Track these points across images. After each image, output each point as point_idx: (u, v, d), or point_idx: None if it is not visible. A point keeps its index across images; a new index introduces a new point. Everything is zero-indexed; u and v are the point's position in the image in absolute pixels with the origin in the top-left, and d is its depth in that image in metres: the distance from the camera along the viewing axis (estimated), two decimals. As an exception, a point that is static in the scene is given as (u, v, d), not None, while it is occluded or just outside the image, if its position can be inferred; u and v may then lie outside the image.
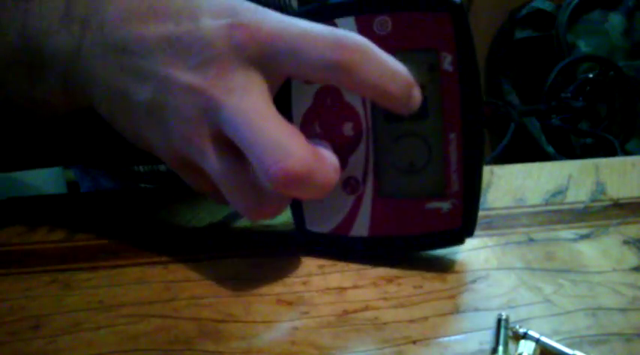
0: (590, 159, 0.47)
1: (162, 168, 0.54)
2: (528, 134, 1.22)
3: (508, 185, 0.43)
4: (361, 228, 0.33)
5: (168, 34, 0.28)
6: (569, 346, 0.26)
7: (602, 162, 0.47)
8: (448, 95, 0.30)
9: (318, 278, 0.32)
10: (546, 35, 1.18)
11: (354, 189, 0.32)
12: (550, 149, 1.17)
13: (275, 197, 0.29)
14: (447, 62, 0.30)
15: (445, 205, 0.32)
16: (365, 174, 0.32)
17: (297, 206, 0.34)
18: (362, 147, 0.32)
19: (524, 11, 1.23)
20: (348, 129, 0.32)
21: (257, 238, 0.37)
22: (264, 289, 0.32)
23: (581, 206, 0.40)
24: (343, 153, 0.32)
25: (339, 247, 0.34)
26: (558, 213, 0.39)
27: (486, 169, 0.45)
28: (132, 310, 0.30)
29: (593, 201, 0.41)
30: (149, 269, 0.33)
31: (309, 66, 0.28)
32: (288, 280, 0.32)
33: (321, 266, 0.33)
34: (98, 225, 0.38)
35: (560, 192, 0.42)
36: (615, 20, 1.15)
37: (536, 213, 0.39)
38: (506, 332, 0.27)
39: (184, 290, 0.31)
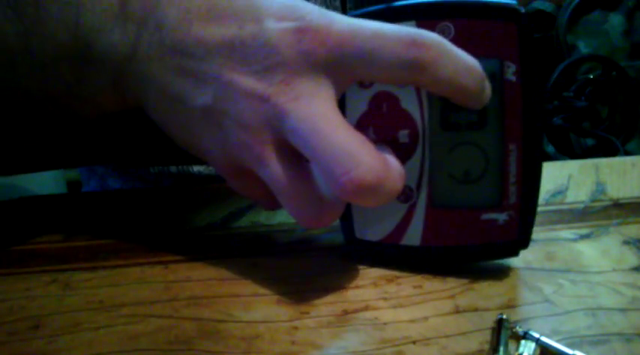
0: (590, 159, 0.47)
1: (172, 169, 0.54)
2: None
3: (508, 185, 0.43)
4: (413, 237, 0.32)
5: (232, 38, 0.27)
6: (569, 346, 0.26)
7: (602, 162, 0.47)
8: (510, 105, 0.30)
9: (318, 278, 0.32)
10: (546, 36, 1.18)
11: (407, 197, 0.32)
12: (550, 149, 1.17)
13: (335, 205, 0.29)
14: (511, 72, 0.29)
15: (501, 217, 0.31)
16: (419, 182, 0.32)
17: (346, 214, 0.33)
18: (417, 155, 0.31)
19: (523, 12, 1.23)
20: (403, 136, 0.31)
21: (257, 238, 0.37)
22: (264, 289, 0.32)
23: (581, 206, 0.40)
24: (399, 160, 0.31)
25: (390, 256, 0.33)
26: (558, 213, 0.39)
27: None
28: (132, 310, 0.30)
29: (593, 201, 0.41)
30: (149, 269, 0.33)
31: (384, 66, 0.27)
32: (288, 280, 0.32)
33: (321, 267, 0.33)
34: (98, 225, 0.38)
35: (560, 192, 0.42)
36: (615, 21, 1.15)
37: (537, 213, 0.39)
38: (506, 332, 0.27)
39: (184, 290, 0.31)
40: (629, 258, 0.34)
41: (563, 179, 0.44)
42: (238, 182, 0.32)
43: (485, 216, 0.31)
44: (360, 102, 0.31)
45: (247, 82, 0.27)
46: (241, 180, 0.31)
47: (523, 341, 0.27)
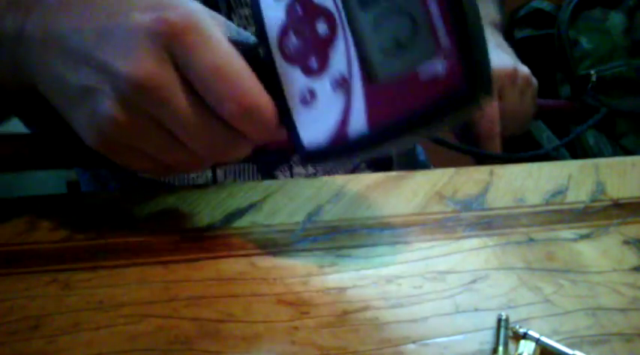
0: (590, 159, 0.47)
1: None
2: (528, 134, 1.22)
3: (508, 185, 0.43)
4: (359, 124, 0.31)
5: (102, 26, 0.30)
6: (569, 346, 0.26)
7: (602, 162, 0.47)
8: None
9: (318, 278, 0.32)
10: (547, 34, 1.18)
11: (340, 84, 0.31)
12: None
13: (236, 137, 0.31)
14: None
15: (439, 66, 0.29)
16: (349, 66, 0.31)
17: (292, 130, 0.33)
18: (339, 41, 0.31)
19: (522, 11, 1.23)
20: (322, 28, 0.31)
21: (257, 238, 0.37)
22: (264, 289, 0.32)
23: (581, 206, 0.40)
24: (323, 54, 0.31)
25: (343, 154, 0.32)
26: (558, 213, 0.39)
27: (486, 169, 0.45)
28: (132, 310, 0.30)
29: (593, 201, 0.41)
30: (149, 269, 0.33)
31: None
32: (288, 280, 0.32)
33: (321, 267, 0.33)
34: (98, 224, 0.38)
35: (560, 192, 0.42)
36: (616, 19, 1.14)
37: (536, 213, 0.39)
38: (506, 332, 0.28)
39: (184, 290, 0.31)
40: (629, 258, 0.34)
41: (563, 179, 0.44)
42: (123, 155, 0.33)
43: (424, 73, 0.29)
44: (276, 15, 0.32)
45: (118, 62, 0.30)
46: (125, 153, 0.33)
47: (523, 341, 0.27)
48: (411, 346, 0.27)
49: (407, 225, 0.37)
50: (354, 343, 0.28)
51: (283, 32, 0.32)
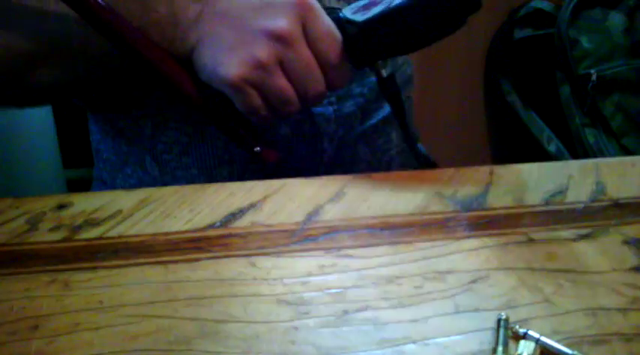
0: (590, 159, 0.47)
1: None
2: (528, 134, 1.22)
3: (508, 185, 0.43)
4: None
5: (258, 4, 0.42)
6: (569, 346, 0.26)
7: (602, 162, 0.47)
8: None
9: (318, 279, 0.32)
10: (547, 34, 1.17)
11: None
12: (551, 148, 1.17)
13: (319, 79, 0.43)
14: None
15: None
16: None
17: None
18: None
19: (522, 11, 1.23)
20: None
21: (257, 238, 0.37)
22: (264, 289, 0.32)
23: (581, 206, 0.40)
24: None
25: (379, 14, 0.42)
26: (558, 213, 0.39)
27: (486, 169, 0.45)
28: (132, 310, 0.30)
29: (593, 201, 0.41)
30: (149, 269, 0.33)
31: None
32: (288, 280, 0.32)
33: (321, 267, 0.33)
34: (98, 224, 0.38)
35: (560, 192, 0.42)
36: (616, 19, 1.14)
37: (536, 213, 0.39)
38: (506, 333, 0.28)
39: (184, 290, 0.31)
40: (629, 258, 0.34)
41: (563, 179, 0.44)
42: (248, 95, 0.42)
43: None
44: None
45: (270, 24, 0.42)
46: (246, 92, 0.42)
47: (523, 341, 0.27)
48: (411, 346, 0.27)
49: (407, 225, 0.37)
50: (354, 343, 0.28)
51: None
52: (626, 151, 1.12)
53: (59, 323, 0.29)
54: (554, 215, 0.39)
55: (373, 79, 0.50)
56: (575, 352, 0.26)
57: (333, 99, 0.52)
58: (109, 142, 0.55)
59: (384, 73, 0.45)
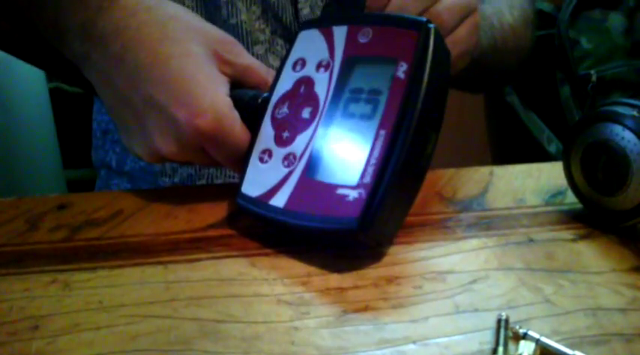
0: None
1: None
2: (528, 134, 1.22)
3: (508, 185, 0.43)
4: (281, 199, 0.35)
5: (147, 98, 0.37)
6: (569, 346, 0.26)
7: (602, 162, 0.47)
8: (392, 97, 0.33)
9: (318, 279, 0.32)
10: (546, 34, 1.17)
11: (290, 163, 0.36)
12: (551, 149, 1.17)
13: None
14: (402, 70, 0.33)
15: (352, 194, 0.33)
16: (303, 153, 0.36)
17: (242, 172, 0.38)
18: (310, 130, 0.36)
19: (523, 12, 1.23)
20: (306, 112, 0.37)
21: (258, 238, 0.37)
22: (264, 289, 0.32)
23: (581, 206, 0.40)
24: (294, 133, 0.36)
25: (259, 212, 0.36)
26: (558, 213, 0.39)
27: (486, 169, 0.45)
28: (132, 310, 0.30)
29: (593, 201, 0.41)
30: (149, 269, 0.33)
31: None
32: (288, 280, 0.32)
33: (321, 267, 0.33)
34: (99, 224, 0.38)
35: (560, 192, 0.42)
36: (616, 19, 1.14)
37: (536, 213, 0.39)
38: (506, 333, 0.28)
39: (184, 290, 0.31)
40: (629, 258, 0.34)
41: (563, 179, 0.44)
42: (195, 156, 0.39)
43: (340, 191, 0.33)
44: (287, 82, 0.38)
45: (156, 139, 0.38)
46: (197, 154, 0.39)
47: (523, 342, 0.27)
48: (411, 346, 0.27)
49: (407, 225, 0.37)
50: (354, 343, 0.28)
51: (282, 99, 0.38)
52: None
53: (59, 323, 0.29)
54: (554, 215, 0.39)
55: None
56: (575, 352, 0.26)
57: None
58: None
59: None
